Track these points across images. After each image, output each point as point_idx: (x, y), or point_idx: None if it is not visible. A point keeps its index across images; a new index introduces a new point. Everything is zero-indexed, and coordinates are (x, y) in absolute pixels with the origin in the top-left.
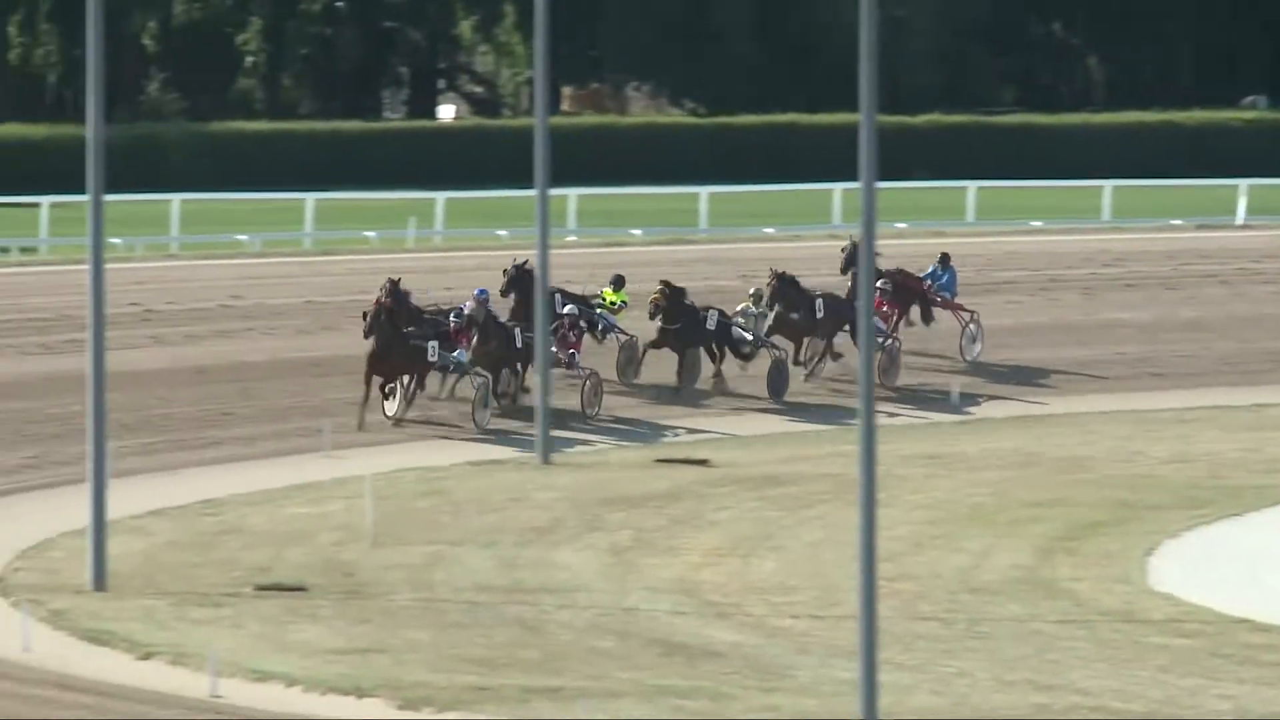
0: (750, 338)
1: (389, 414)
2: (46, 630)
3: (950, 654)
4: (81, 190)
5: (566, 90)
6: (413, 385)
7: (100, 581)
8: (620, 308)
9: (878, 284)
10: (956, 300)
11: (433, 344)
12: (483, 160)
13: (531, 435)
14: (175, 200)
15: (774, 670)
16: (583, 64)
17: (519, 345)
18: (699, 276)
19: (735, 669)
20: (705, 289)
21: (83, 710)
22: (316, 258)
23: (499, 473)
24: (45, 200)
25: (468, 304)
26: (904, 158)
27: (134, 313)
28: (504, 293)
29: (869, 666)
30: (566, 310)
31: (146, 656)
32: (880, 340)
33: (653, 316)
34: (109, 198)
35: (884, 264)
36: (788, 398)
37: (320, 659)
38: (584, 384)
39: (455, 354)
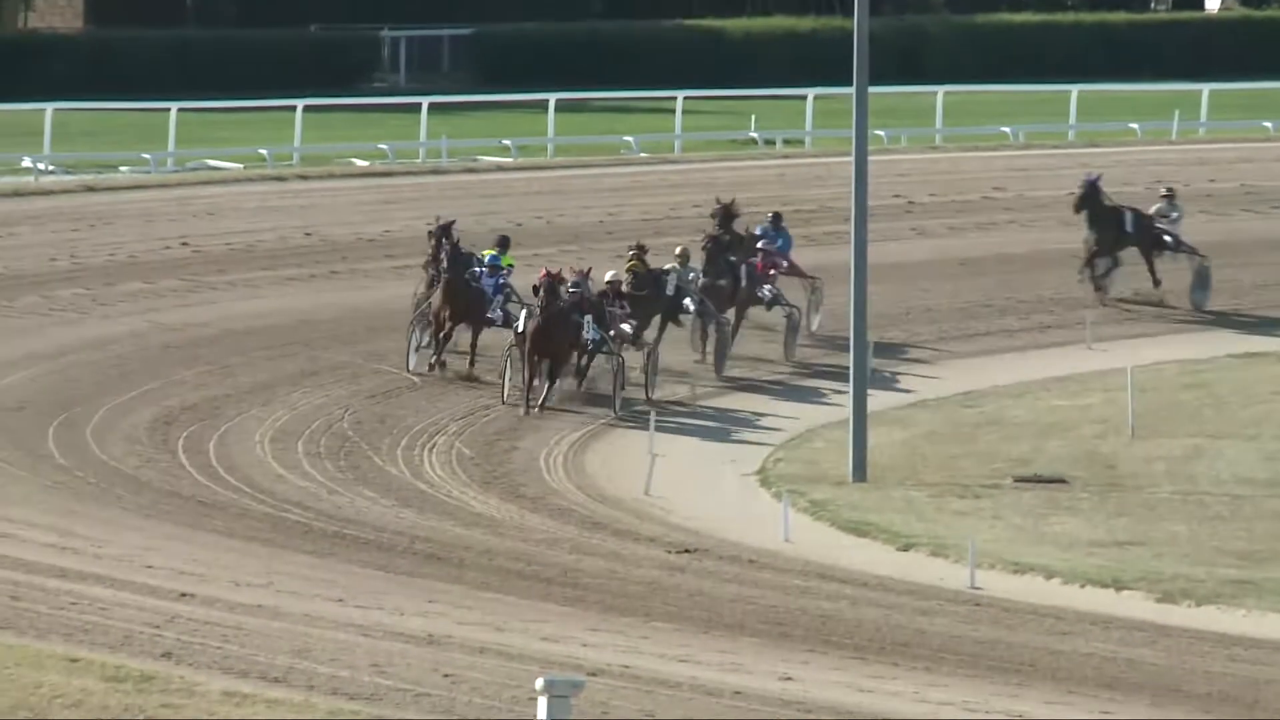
0: (691, 306)
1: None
2: (806, 521)
3: None
4: (847, 82)
5: None
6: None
7: (860, 473)
8: (506, 272)
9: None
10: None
11: (588, 318)
12: (1249, 52)
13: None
14: (939, 92)
15: None
16: None
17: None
18: None
19: None
20: None
21: (842, 600)
22: (1080, 150)
23: (1262, 365)
24: (810, 92)
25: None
26: None
27: (897, 205)
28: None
29: None
30: (610, 277)
31: (906, 548)
32: (785, 308)
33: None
34: (873, 90)
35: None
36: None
37: (1079, 551)
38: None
39: (592, 331)
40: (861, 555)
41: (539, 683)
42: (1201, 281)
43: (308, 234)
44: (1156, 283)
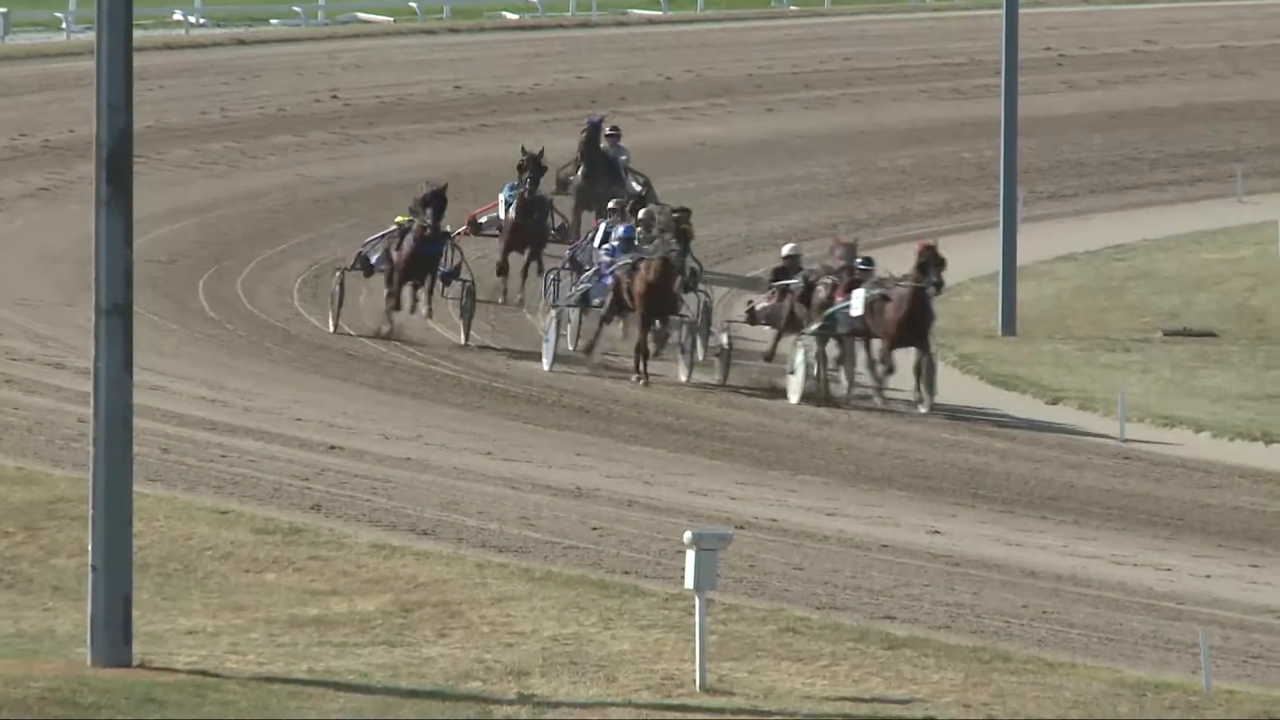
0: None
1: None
2: (955, 374)
3: None
4: None
5: None
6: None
7: (1009, 326)
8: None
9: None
10: None
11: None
12: None
13: None
14: None
15: None
16: None
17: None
18: None
19: None
20: None
21: (991, 454)
22: (1233, 3)
23: None
24: None
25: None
26: None
27: (1048, 58)
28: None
29: None
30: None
31: (1055, 400)
32: None
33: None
34: None
35: None
36: None
37: (1229, 405)
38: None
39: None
40: (1010, 408)
41: (687, 536)
42: None
43: (457, 87)
44: None
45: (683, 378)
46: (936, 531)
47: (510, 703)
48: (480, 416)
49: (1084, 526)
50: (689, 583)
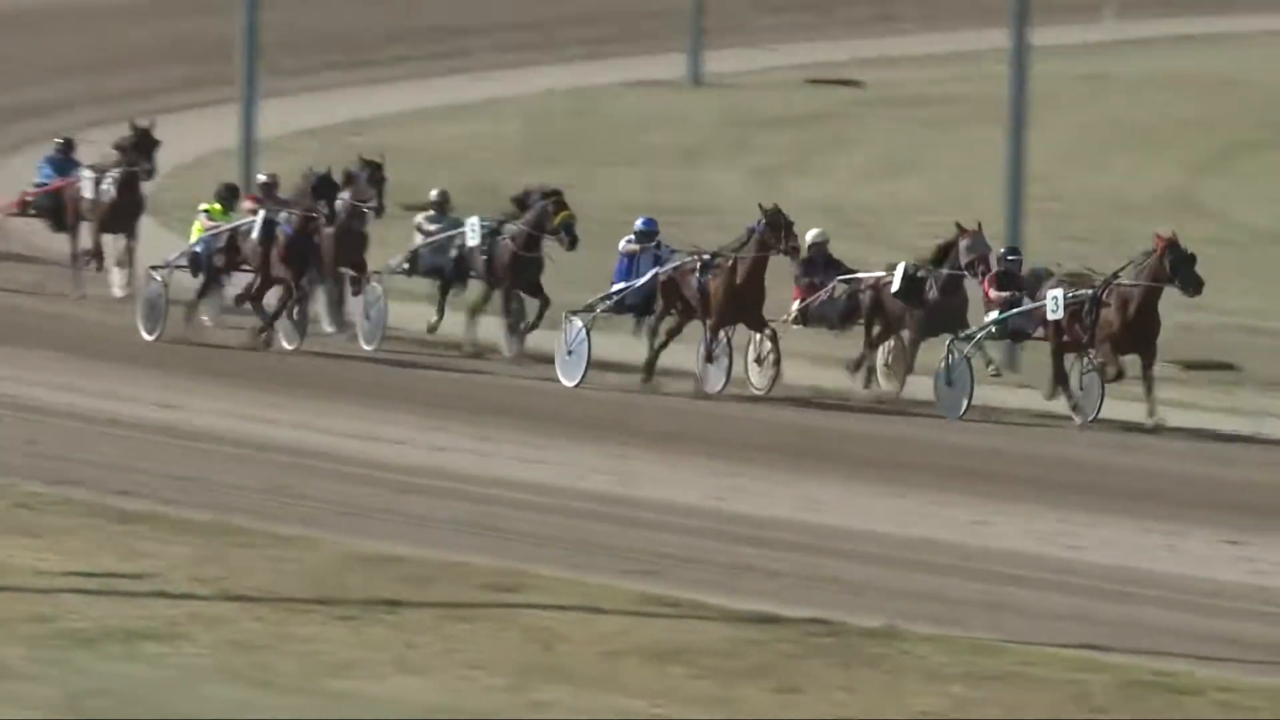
0: None
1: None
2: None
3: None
4: None
5: None
6: None
7: None
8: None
9: None
10: None
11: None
12: None
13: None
14: None
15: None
16: None
17: None
18: None
19: None
20: None
21: (236, 332)
22: None
23: (651, 93)
24: None
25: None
26: None
27: None
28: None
29: None
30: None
31: None
32: None
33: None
34: None
35: None
36: None
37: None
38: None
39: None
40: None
41: None
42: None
43: None
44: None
45: (709, 389)
46: (169, 406)
47: None
48: None
49: (321, 401)
50: None
